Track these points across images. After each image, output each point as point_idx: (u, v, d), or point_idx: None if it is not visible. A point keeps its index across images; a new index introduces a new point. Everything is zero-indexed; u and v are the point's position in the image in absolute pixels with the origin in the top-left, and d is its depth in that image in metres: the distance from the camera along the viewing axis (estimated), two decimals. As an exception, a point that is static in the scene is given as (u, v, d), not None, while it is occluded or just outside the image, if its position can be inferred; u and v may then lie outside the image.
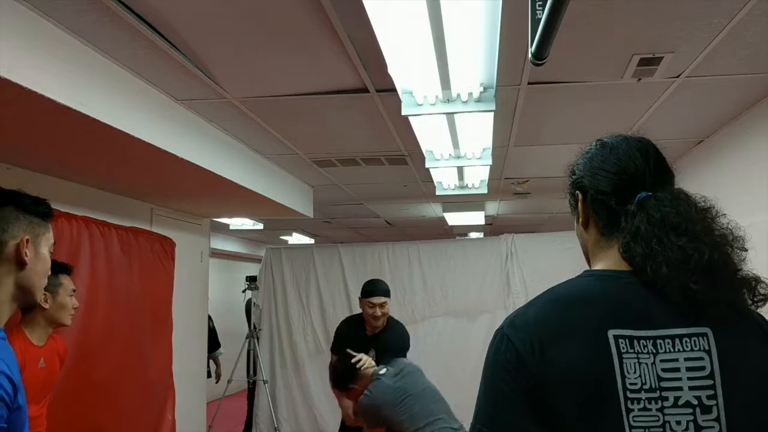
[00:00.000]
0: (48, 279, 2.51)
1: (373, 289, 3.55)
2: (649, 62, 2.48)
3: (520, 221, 7.82)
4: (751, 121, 3.14)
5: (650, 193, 0.98)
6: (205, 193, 4.03)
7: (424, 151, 3.72)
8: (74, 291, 2.64)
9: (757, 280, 0.93)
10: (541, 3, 1.36)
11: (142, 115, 2.62)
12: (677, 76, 2.67)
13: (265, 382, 5.83)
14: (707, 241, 0.92)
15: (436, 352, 5.79)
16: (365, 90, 2.78)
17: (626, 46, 2.35)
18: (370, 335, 3.55)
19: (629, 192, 0.99)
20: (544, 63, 1.47)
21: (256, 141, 3.71)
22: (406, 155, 4.12)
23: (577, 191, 1.07)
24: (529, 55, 1.45)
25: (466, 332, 5.76)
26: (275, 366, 6.13)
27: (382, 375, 2.87)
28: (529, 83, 2.73)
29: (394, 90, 2.58)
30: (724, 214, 0.98)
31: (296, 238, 9.28)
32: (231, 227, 7.17)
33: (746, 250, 0.95)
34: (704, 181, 3.79)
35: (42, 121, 2.30)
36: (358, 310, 6.06)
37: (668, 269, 0.91)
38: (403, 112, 2.65)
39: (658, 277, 0.92)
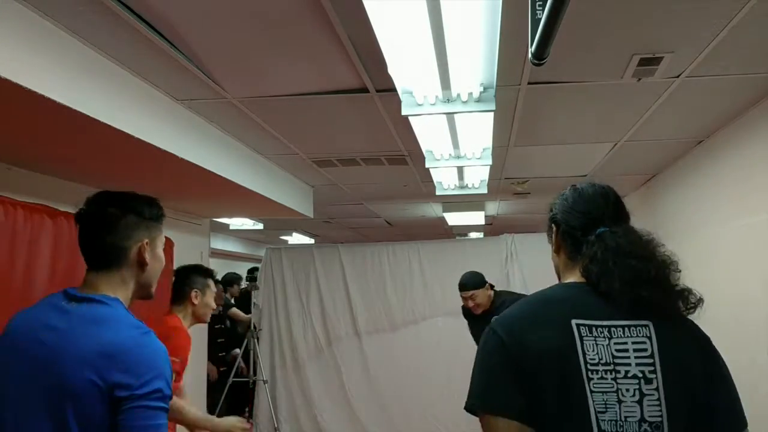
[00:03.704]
0: (197, 279, 2.85)
1: (460, 285, 3.88)
2: (649, 62, 2.48)
3: (520, 221, 7.82)
4: (751, 121, 3.14)
5: (607, 228, 1.29)
6: (205, 193, 4.03)
7: (424, 151, 3.71)
8: (215, 293, 2.88)
9: (689, 291, 1.23)
10: (541, 3, 1.36)
11: (142, 115, 2.62)
12: (677, 76, 2.67)
13: (265, 382, 5.83)
14: (653, 263, 1.22)
15: (437, 352, 5.80)
16: (365, 90, 2.78)
17: (626, 46, 2.35)
18: (478, 315, 3.92)
19: (591, 227, 1.31)
20: (544, 63, 1.47)
21: (256, 141, 3.71)
22: (406, 155, 4.12)
23: (553, 224, 1.40)
24: (529, 55, 1.45)
25: (467, 332, 5.75)
26: (275, 366, 6.13)
27: None
28: (529, 83, 2.73)
29: (394, 90, 2.58)
30: (663, 244, 1.28)
31: (296, 238, 9.27)
32: (231, 227, 7.16)
33: (680, 271, 1.25)
34: (704, 181, 3.79)
35: (42, 121, 2.30)
36: (358, 310, 6.15)
37: (620, 284, 1.20)
38: (403, 112, 2.65)
39: (611, 290, 1.20)
